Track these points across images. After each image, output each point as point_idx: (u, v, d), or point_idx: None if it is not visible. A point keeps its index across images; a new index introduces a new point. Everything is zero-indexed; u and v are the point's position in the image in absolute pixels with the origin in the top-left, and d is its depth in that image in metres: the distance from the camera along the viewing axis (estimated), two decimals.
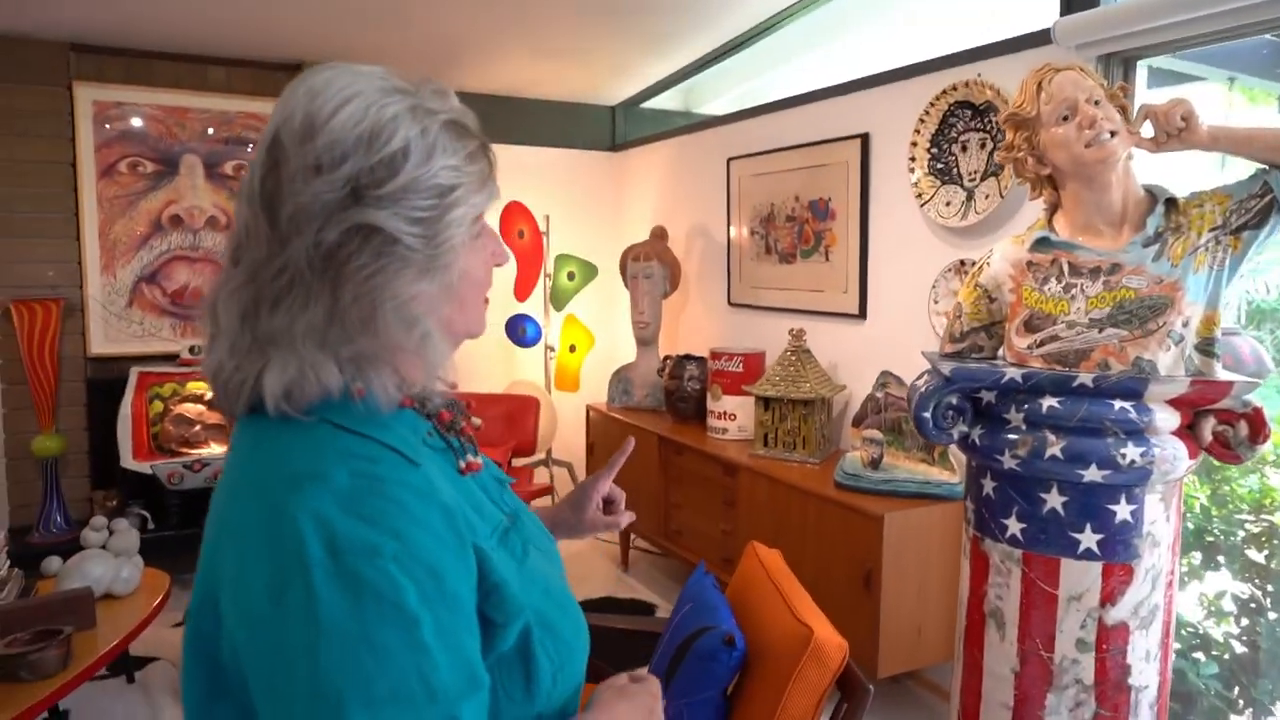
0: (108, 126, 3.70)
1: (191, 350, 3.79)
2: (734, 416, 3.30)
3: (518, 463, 3.96)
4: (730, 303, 3.84)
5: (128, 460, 3.63)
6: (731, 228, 3.79)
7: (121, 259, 3.79)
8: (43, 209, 3.61)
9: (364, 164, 0.68)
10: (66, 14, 3.31)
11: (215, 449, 3.83)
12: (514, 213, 4.29)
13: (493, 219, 0.88)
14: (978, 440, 1.72)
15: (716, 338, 3.96)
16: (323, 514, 0.63)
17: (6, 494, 3.65)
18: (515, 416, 3.94)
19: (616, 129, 4.82)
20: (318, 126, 0.69)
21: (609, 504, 1.19)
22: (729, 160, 3.74)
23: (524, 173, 4.61)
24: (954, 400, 1.74)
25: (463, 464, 0.79)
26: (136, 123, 3.74)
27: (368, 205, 0.68)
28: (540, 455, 4.46)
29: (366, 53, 3.85)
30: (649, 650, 2.00)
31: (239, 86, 3.90)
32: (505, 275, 4.44)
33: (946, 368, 1.73)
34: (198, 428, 3.84)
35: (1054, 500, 1.60)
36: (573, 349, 4.48)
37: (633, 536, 3.98)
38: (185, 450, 3.81)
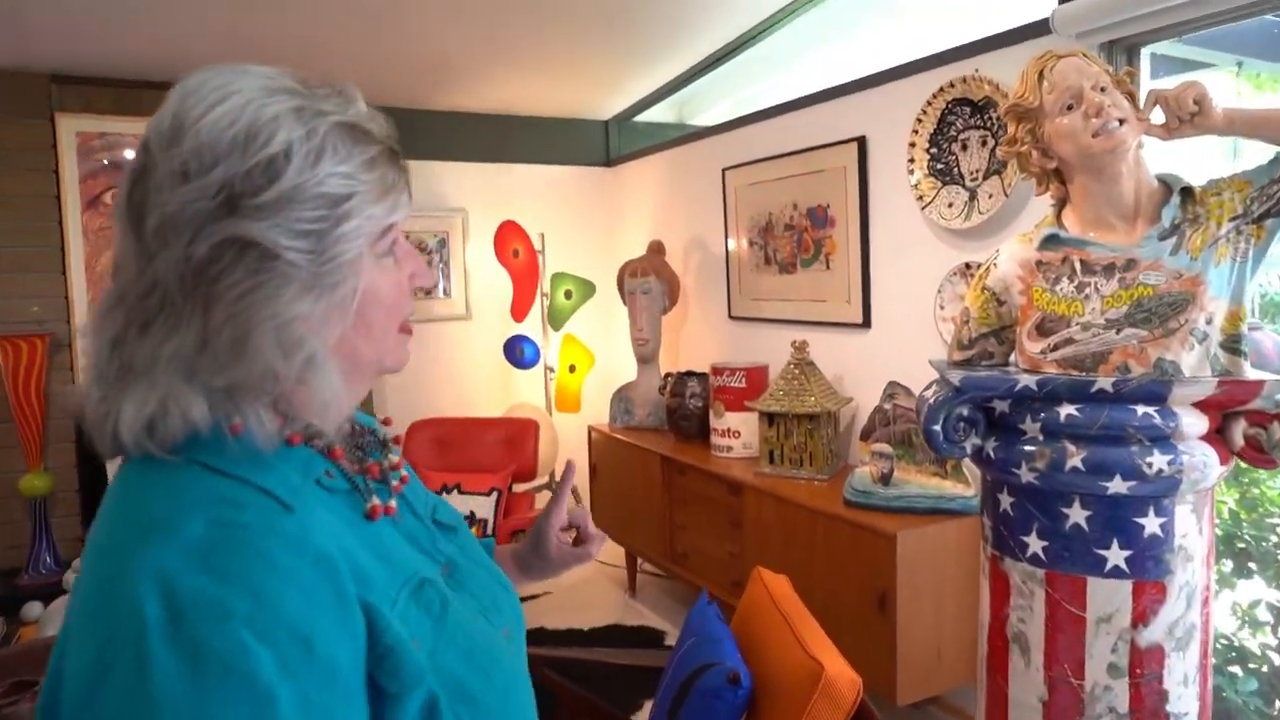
0: (94, 158, 3.65)
1: None
2: (738, 434, 3.20)
3: (519, 488, 3.86)
4: (731, 316, 3.75)
5: None
6: (729, 239, 3.70)
7: None
8: (27, 243, 3.55)
9: (238, 169, 0.60)
10: (49, 47, 3.27)
11: None
12: (508, 232, 4.22)
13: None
14: (992, 453, 1.61)
15: (718, 352, 3.86)
16: (166, 570, 0.53)
17: None
18: (515, 440, 3.84)
19: (610, 144, 4.75)
20: (186, 128, 0.60)
21: (576, 533, 1.04)
22: (724, 170, 3.65)
23: (518, 191, 4.54)
24: (965, 411, 1.63)
25: (369, 507, 0.69)
26: (127, 153, 3.69)
27: (243, 216, 0.59)
28: (543, 479, 4.36)
29: (353, 74, 3.78)
30: (653, 686, 1.89)
31: None
32: (502, 295, 4.36)
33: (955, 377, 1.62)
34: None
35: (1077, 515, 1.49)
36: (572, 369, 4.39)
37: (639, 561, 3.87)
38: None
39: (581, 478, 4.32)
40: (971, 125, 2.49)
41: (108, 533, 0.59)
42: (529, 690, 0.76)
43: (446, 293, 4.47)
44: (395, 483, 0.77)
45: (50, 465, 3.60)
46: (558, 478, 4.29)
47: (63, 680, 0.54)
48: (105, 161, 3.67)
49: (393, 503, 0.71)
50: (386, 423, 0.85)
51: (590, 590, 3.94)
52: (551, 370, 4.43)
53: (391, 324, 0.70)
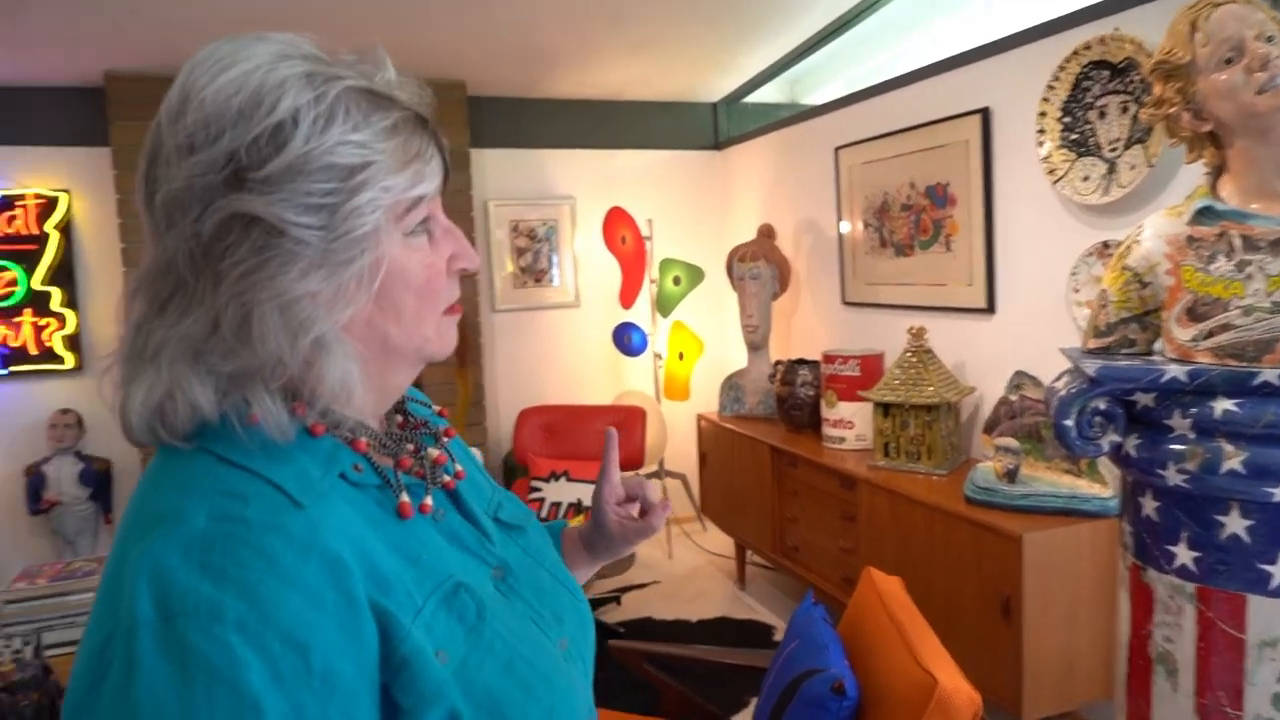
0: None
1: None
2: (851, 424, 3.06)
3: (627, 475, 3.83)
4: (844, 302, 3.59)
5: None
6: (842, 221, 3.54)
7: None
8: None
9: (243, 139, 0.56)
10: (180, 52, 3.44)
11: None
12: (616, 218, 4.19)
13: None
14: (1133, 452, 1.45)
15: (831, 339, 3.72)
16: (162, 567, 0.51)
17: None
18: (622, 428, 3.82)
19: (719, 126, 4.64)
20: (191, 99, 0.57)
21: (639, 505, 0.94)
22: (836, 149, 3.50)
23: (625, 177, 4.50)
24: (1102, 405, 1.47)
25: (398, 504, 0.64)
26: None
27: (248, 191, 0.56)
28: (652, 467, 4.33)
29: (459, 67, 3.84)
30: (758, 685, 1.82)
31: None
32: (610, 283, 4.34)
33: (1091, 367, 1.47)
34: None
35: (1235, 524, 1.31)
36: (681, 356, 4.33)
37: (748, 553, 3.78)
38: None
39: (690, 466, 4.26)
40: (1110, 90, 2.27)
41: (123, 524, 0.57)
42: (583, 705, 0.69)
43: (555, 280, 4.49)
44: (448, 478, 0.72)
45: None
46: (667, 465, 4.28)
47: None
48: None
49: (429, 500, 0.66)
50: (442, 414, 0.80)
51: (699, 581, 3.88)
52: (660, 357, 4.38)
53: (426, 308, 0.65)
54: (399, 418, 0.77)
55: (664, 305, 4.31)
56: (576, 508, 3.52)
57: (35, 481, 3.62)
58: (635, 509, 0.91)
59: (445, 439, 0.76)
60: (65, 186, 3.69)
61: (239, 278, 0.56)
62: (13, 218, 3.63)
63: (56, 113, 3.67)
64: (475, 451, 3.86)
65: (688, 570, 4.04)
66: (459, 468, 0.75)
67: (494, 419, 4.35)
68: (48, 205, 3.66)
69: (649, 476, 4.32)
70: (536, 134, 4.39)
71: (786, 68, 3.99)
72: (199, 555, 0.51)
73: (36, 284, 3.66)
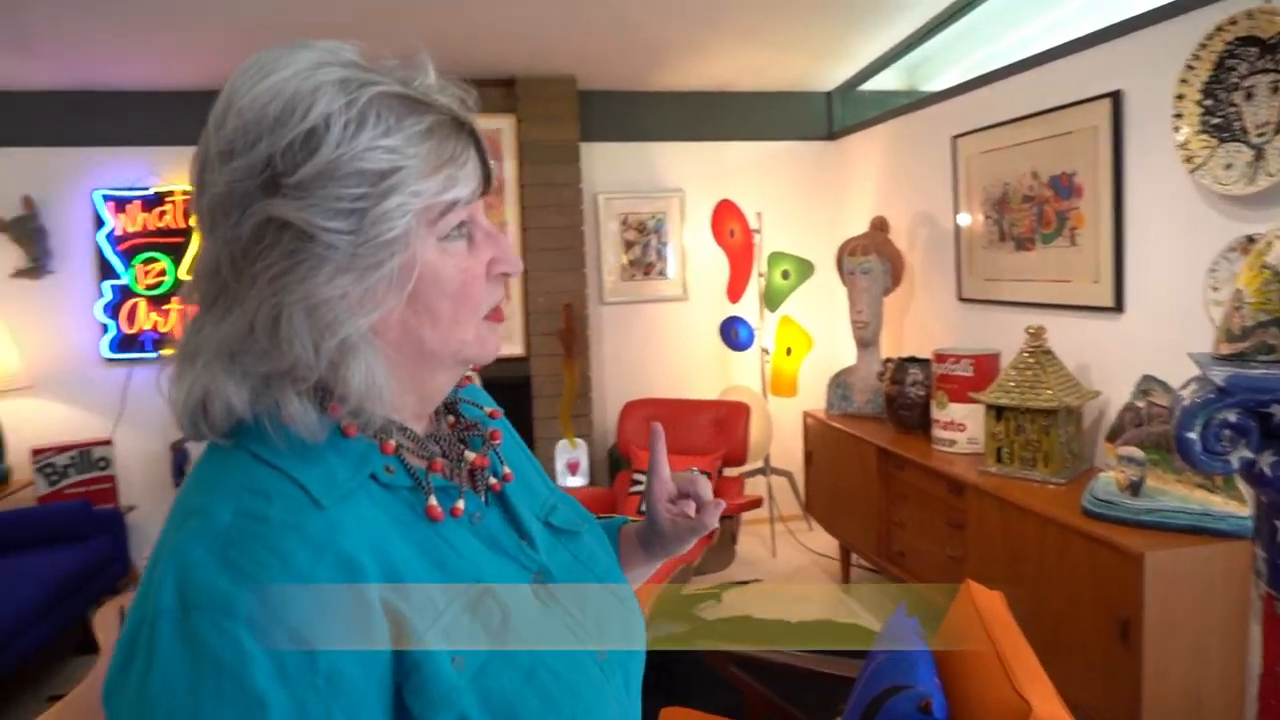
0: None
1: None
2: (963, 427, 2.92)
3: (729, 472, 3.80)
4: (960, 298, 3.43)
5: None
6: (960, 214, 3.38)
7: None
8: None
9: (278, 145, 0.57)
10: None
11: None
12: (724, 211, 4.14)
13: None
14: (1269, 470, 1.31)
15: (946, 337, 3.56)
16: (187, 560, 0.53)
17: None
18: (725, 423, 3.78)
19: (833, 115, 4.52)
20: (231, 107, 0.59)
21: (693, 502, 0.88)
22: (954, 138, 3.34)
23: (735, 169, 4.44)
24: (1231, 417, 1.34)
25: (426, 507, 0.64)
26: None
27: (281, 196, 0.57)
28: (757, 464, 4.27)
29: (572, 62, 3.88)
30: (844, 697, 1.76)
31: None
32: (719, 276, 4.30)
33: (1220, 375, 1.34)
34: None
35: None
36: (789, 352, 4.24)
37: (853, 555, 3.68)
38: None
39: (796, 464, 4.18)
40: (1260, 69, 2.06)
41: (169, 514, 0.59)
42: (612, 716, 0.67)
43: (664, 273, 4.48)
44: (494, 480, 0.72)
45: None
46: (773, 462, 4.21)
47: None
48: None
49: (460, 503, 0.66)
50: (494, 415, 0.80)
51: (804, 581, 3.81)
52: (767, 353, 4.31)
53: (463, 312, 0.65)
54: (450, 418, 0.77)
55: (772, 299, 4.24)
56: None
57: (179, 457, 3.92)
58: (691, 506, 0.88)
59: (493, 442, 0.75)
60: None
61: (270, 280, 0.58)
62: (163, 213, 3.92)
63: (203, 115, 3.93)
64: (578, 448, 3.83)
65: (791, 570, 3.97)
66: (507, 470, 0.75)
67: (600, 411, 4.39)
68: None
69: (754, 473, 4.27)
70: (646, 127, 4.39)
71: (904, 54, 3.84)
72: (220, 550, 0.53)
73: (184, 274, 3.94)
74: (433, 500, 0.64)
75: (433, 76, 0.64)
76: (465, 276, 0.64)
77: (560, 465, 4.15)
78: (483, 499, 0.71)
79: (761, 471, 4.31)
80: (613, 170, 4.37)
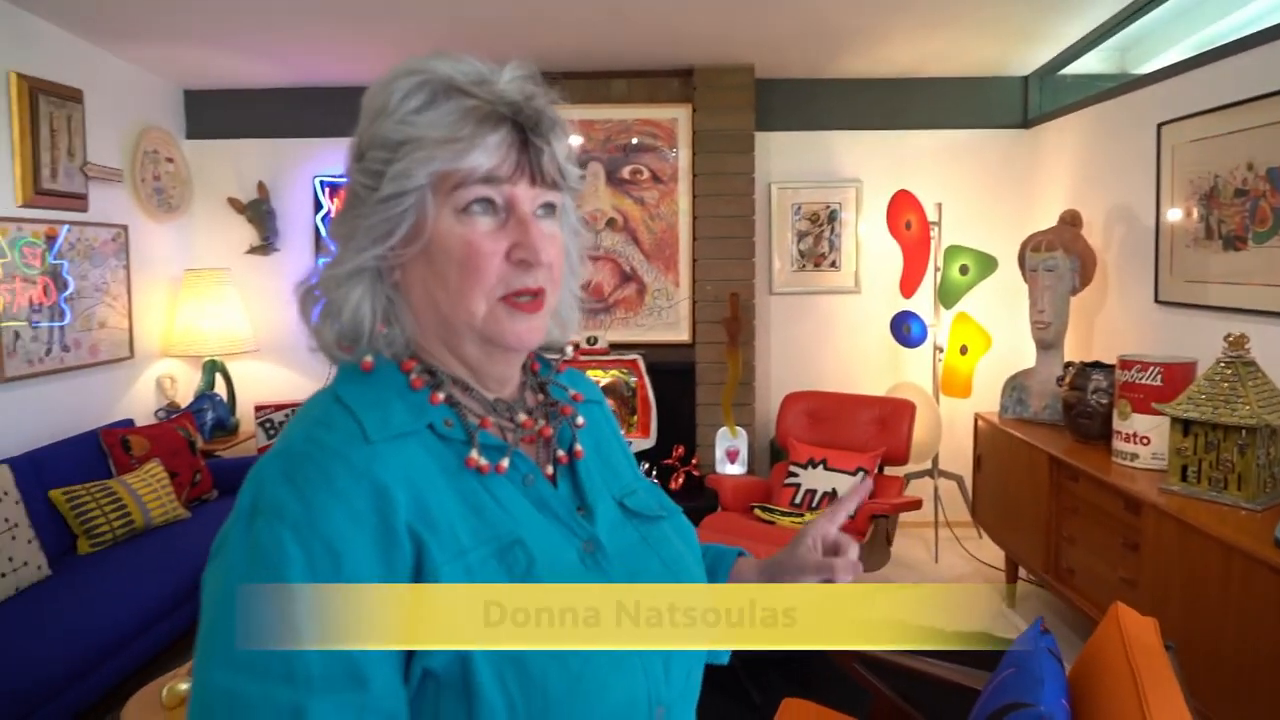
0: None
1: (589, 341, 4.17)
2: (1147, 440, 2.69)
3: (890, 471, 3.69)
4: (1158, 300, 3.14)
5: None
6: (1161, 209, 3.09)
7: None
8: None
9: (365, 127, 0.72)
10: (495, 53, 3.84)
11: None
12: (901, 202, 4.01)
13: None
14: None
15: (1139, 343, 3.27)
16: (266, 473, 0.64)
17: None
18: (888, 421, 3.67)
19: (1029, 102, 4.24)
20: (361, 107, 0.74)
21: (835, 551, 0.87)
22: (1159, 126, 3.05)
23: (915, 159, 4.28)
24: None
25: (465, 458, 0.70)
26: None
27: (357, 166, 0.72)
28: (924, 465, 4.12)
29: (750, 50, 3.88)
30: (968, 709, 1.70)
31: (637, 96, 4.19)
32: (893, 269, 4.17)
33: None
34: None
35: None
36: (964, 350, 4.05)
37: (1020, 568, 3.48)
38: None
39: (965, 468, 4.00)
40: None
41: None
42: (628, 685, 0.68)
43: (835, 265, 4.40)
44: (562, 454, 0.78)
45: None
46: (941, 465, 4.04)
47: None
48: None
49: (505, 461, 0.72)
50: (576, 399, 0.85)
51: (965, 592, 3.65)
52: (940, 350, 4.13)
53: (469, 283, 0.70)
54: (539, 396, 0.83)
55: (947, 295, 4.06)
56: (831, 498, 3.46)
57: None
58: (834, 565, 0.86)
59: (562, 416, 0.81)
60: None
61: (336, 224, 0.74)
62: None
63: None
64: (738, 436, 3.83)
65: (953, 577, 3.81)
66: (578, 447, 0.80)
67: (763, 401, 4.39)
68: None
69: (920, 475, 4.12)
70: (824, 115, 4.31)
71: (1113, 32, 3.54)
72: (284, 466, 0.64)
73: None
74: (474, 453, 0.70)
75: (508, 75, 0.71)
76: (470, 249, 0.70)
77: (720, 453, 4.19)
78: (541, 467, 0.76)
79: (929, 473, 4.15)
80: (787, 160, 4.34)
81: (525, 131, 0.70)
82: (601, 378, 4.26)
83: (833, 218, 4.37)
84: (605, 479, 0.82)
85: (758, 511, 3.49)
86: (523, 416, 0.77)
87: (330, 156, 4.34)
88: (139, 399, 4.01)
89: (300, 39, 3.63)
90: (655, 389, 4.17)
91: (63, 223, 3.45)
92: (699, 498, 3.99)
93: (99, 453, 3.39)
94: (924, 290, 4.08)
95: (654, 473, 4.15)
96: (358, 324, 0.72)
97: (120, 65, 3.87)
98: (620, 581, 0.73)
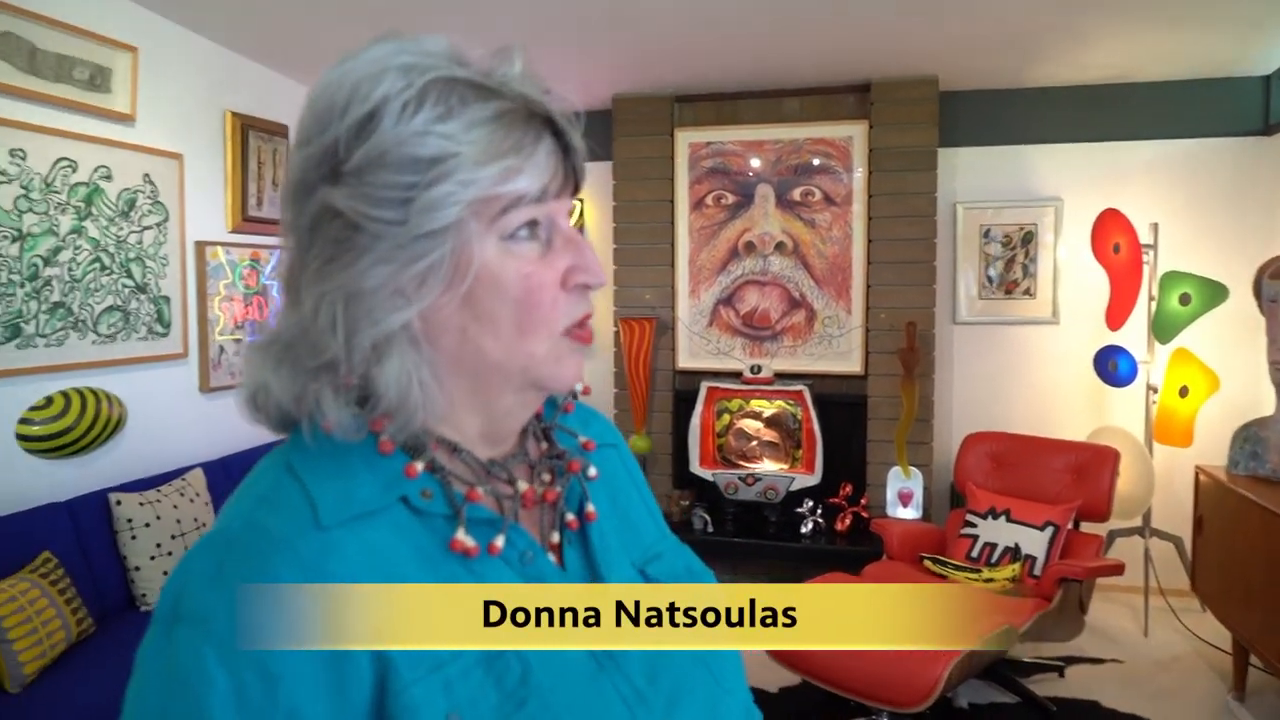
0: (700, 165, 4.15)
1: (753, 370, 4.00)
2: None
3: (1086, 527, 3.24)
4: None
5: (695, 466, 4.02)
6: None
7: (705, 284, 4.20)
8: (645, 241, 4.21)
9: (339, 131, 0.55)
10: (671, 74, 3.82)
11: (769, 465, 3.99)
12: (1109, 222, 3.55)
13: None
14: None
15: None
16: (194, 566, 0.52)
17: None
18: (1086, 469, 3.23)
19: (1271, 105, 3.65)
20: (311, 96, 0.57)
21: None
22: None
23: (1125, 173, 3.82)
24: None
25: (450, 541, 0.56)
26: (718, 161, 4.12)
27: (335, 184, 0.55)
28: (1134, 521, 3.61)
29: (932, 61, 3.61)
30: None
31: (810, 114, 4.00)
32: (1098, 298, 3.71)
33: None
34: (754, 443, 4.04)
35: None
36: (1184, 392, 3.52)
37: (1249, 653, 2.93)
38: (742, 463, 4.04)
39: (1184, 527, 3.46)
40: None
41: None
42: None
43: (1030, 292, 3.98)
44: (571, 517, 0.64)
45: (651, 430, 4.23)
46: (1154, 523, 3.52)
47: None
48: (708, 166, 4.14)
49: (499, 540, 0.58)
50: (587, 446, 0.71)
51: (1178, 673, 3.13)
52: (1154, 391, 3.61)
53: (529, 322, 0.58)
54: (544, 444, 0.69)
55: (1164, 328, 3.54)
56: (1013, 554, 3.08)
57: None
58: None
59: (569, 473, 0.67)
60: (581, 195, 4.33)
61: (317, 269, 0.56)
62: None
63: (587, 132, 4.35)
64: (912, 477, 3.53)
65: (1165, 656, 3.28)
66: (590, 508, 0.66)
67: (943, 440, 4.03)
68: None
69: (1129, 533, 3.61)
70: (1018, 128, 3.93)
71: None
72: (217, 560, 0.52)
73: None
74: (460, 534, 0.57)
75: (517, 67, 0.59)
76: (530, 282, 0.58)
77: (891, 494, 3.88)
78: (544, 537, 0.64)
79: (1139, 532, 3.63)
80: (975, 177, 3.99)
81: (565, 136, 0.59)
82: (766, 409, 4.08)
83: (1027, 240, 3.97)
84: (624, 541, 0.68)
85: (927, 563, 3.17)
86: (523, 485, 0.63)
87: None
88: None
89: None
90: (822, 422, 3.93)
91: (265, 247, 3.74)
92: (864, 542, 3.71)
93: None
94: (1135, 322, 3.59)
95: (818, 511, 3.91)
96: (411, 403, 0.56)
97: None
98: (635, 674, 0.60)
